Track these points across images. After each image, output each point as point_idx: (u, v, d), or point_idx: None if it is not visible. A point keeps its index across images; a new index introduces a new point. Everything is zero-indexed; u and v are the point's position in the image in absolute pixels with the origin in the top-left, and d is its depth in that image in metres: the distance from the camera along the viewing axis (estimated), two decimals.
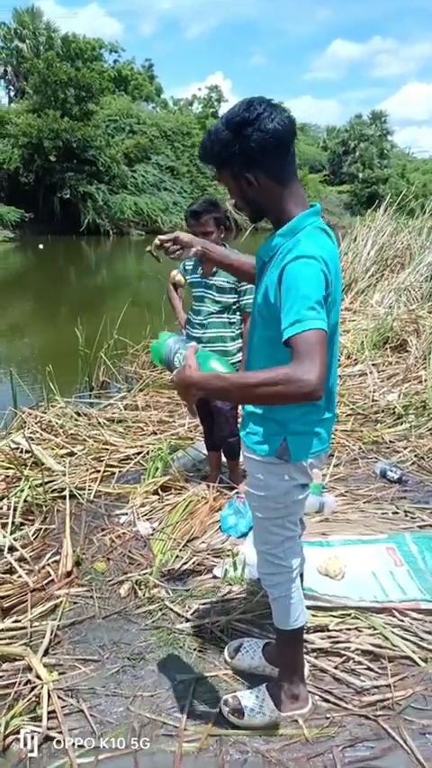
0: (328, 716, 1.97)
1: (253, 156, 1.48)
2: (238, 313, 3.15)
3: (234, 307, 3.12)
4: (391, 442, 4.26)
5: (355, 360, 6.17)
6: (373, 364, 5.89)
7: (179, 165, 34.94)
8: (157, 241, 1.91)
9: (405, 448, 4.12)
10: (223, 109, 47.80)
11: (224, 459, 3.55)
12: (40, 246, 22.44)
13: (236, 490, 3.41)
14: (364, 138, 54.76)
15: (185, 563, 2.78)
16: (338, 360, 1.80)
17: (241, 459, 3.53)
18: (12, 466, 3.42)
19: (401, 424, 4.51)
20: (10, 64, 33.80)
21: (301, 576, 2.07)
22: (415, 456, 4.01)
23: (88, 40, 31.46)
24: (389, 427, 4.49)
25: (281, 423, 1.65)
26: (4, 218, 25.43)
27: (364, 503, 3.37)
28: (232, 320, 3.14)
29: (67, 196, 27.99)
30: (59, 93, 27.55)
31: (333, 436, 2.03)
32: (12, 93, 34.82)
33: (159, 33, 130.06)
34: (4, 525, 2.93)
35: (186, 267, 3.26)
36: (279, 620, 1.89)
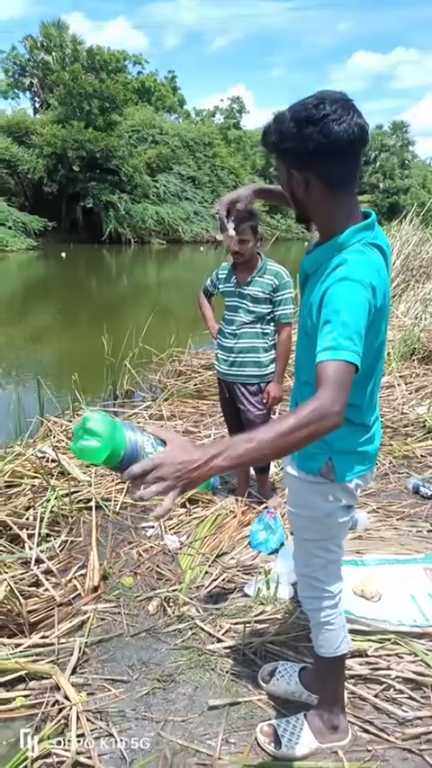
0: (369, 748, 1.87)
1: (309, 156, 1.36)
2: (272, 324, 3.07)
3: (268, 317, 3.05)
4: (422, 456, 4.15)
5: (383, 371, 6.06)
6: (400, 376, 5.78)
7: (200, 174, 35.15)
8: (222, 211, 1.82)
9: None
10: (245, 120, 48.15)
11: (252, 472, 3.47)
12: (63, 255, 22.65)
13: (264, 505, 3.33)
14: (385, 149, 54.72)
15: (215, 579, 2.69)
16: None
17: (271, 472, 3.47)
18: (38, 475, 3.37)
19: None
20: (36, 76, 34.34)
21: None
22: None
23: (113, 52, 31.91)
24: (419, 441, 4.38)
25: (327, 441, 1.56)
26: (27, 226, 25.74)
27: (398, 519, 3.26)
28: (266, 330, 3.07)
29: (90, 205, 28.29)
30: (84, 104, 27.93)
31: None
32: (37, 105, 35.33)
33: (183, 46, 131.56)
34: (31, 536, 2.87)
35: (220, 276, 3.20)
36: (320, 647, 1.80)
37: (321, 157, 1.36)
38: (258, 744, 1.87)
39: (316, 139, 1.33)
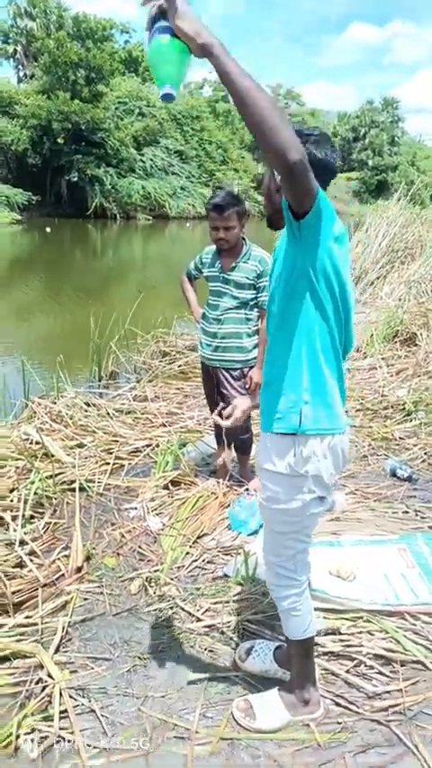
0: (339, 721, 1.97)
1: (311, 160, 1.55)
2: (255, 309, 3.11)
3: (252, 303, 3.08)
4: (400, 438, 4.24)
5: (365, 353, 6.14)
6: (382, 358, 5.86)
7: (188, 149, 34.67)
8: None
9: (415, 445, 4.10)
10: None
11: (234, 455, 3.53)
12: (48, 229, 22.36)
13: (245, 486, 3.40)
14: (375, 125, 54.18)
15: (196, 560, 2.77)
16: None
17: (252, 453, 3.53)
18: (22, 457, 3.41)
19: (411, 420, 4.49)
20: (20, 43, 33.44)
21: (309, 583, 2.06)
22: (425, 453, 3.99)
23: (99, 20, 31.00)
24: (398, 423, 4.47)
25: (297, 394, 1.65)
26: (11, 200, 25.32)
27: (375, 501, 3.35)
28: (249, 316, 3.10)
29: (75, 179, 27.86)
30: (69, 73, 27.33)
31: None
32: (21, 74, 34.49)
33: None
34: (15, 518, 2.92)
35: (204, 260, 3.22)
36: (289, 631, 1.88)
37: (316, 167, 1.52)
38: (234, 718, 1.95)
39: (321, 153, 1.58)
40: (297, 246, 1.53)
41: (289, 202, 1.43)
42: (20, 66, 34.95)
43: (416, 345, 6.27)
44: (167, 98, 1.33)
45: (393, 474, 3.68)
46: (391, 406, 4.72)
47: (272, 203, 1.70)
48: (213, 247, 3.15)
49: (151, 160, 31.83)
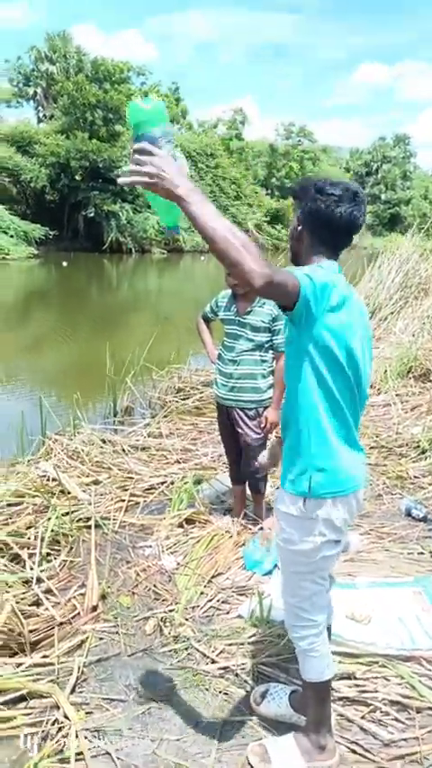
0: None
1: (308, 215, 1.74)
2: (270, 351, 3.18)
3: (267, 345, 3.15)
4: (415, 477, 4.24)
5: (379, 389, 6.16)
6: (396, 395, 5.88)
7: (202, 185, 35.32)
8: None
9: (430, 484, 4.10)
10: (247, 131, 48.52)
11: (249, 492, 3.55)
12: (64, 263, 22.80)
13: (260, 525, 3.41)
14: (387, 160, 55.04)
15: (210, 600, 2.78)
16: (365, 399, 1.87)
17: (267, 492, 3.56)
18: (39, 494, 3.46)
19: (426, 458, 4.48)
20: (40, 86, 34.63)
21: (329, 627, 2.07)
22: None
23: (116, 63, 32.08)
24: (413, 461, 4.47)
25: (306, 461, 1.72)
26: (29, 235, 25.89)
27: (389, 542, 3.35)
28: (264, 358, 3.17)
29: (92, 214, 28.49)
30: (88, 114, 28.20)
31: None
32: (41, 114, 35.63)
33: (194, 57, 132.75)
34: (31, 556, 2.96)
35: (220, 303, 3.30)
36: (306, 673, 1.89)
37: (315, 221, 1.74)
38: (249, 763, 1.95)
39: (317, 207, 1.70)
40: (294, 329, 1.64)
41: None
42: (40, 108, 36.13)
43: (430, 381, 6.29)
44: (170, 233, 1.57)
45: (408, 514, 3.67)
46: (406, 444, 4.72)
47: (292, 248, 1.85)
48: (229, 291, 3.24)
49: None
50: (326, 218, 1.70)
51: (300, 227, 1.78)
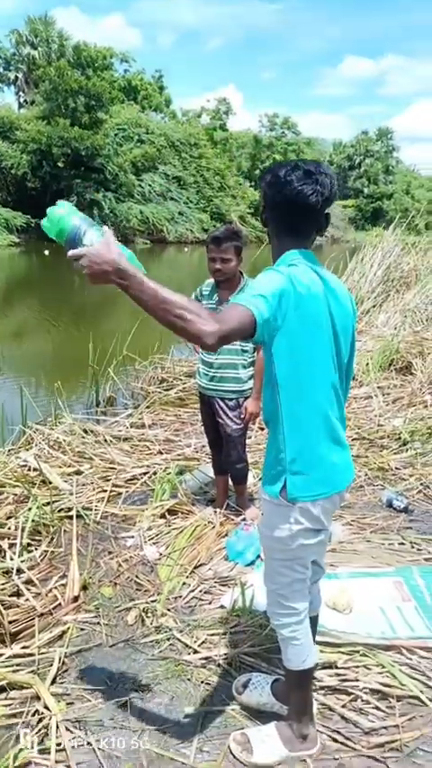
0: (336, 756, 1.97)
1: (269, 201, 1.73)
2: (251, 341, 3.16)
3: None
4: (396, 468, 4.27)
5: (360, 382, 6.19)
6: (378, 387, 5.91)
7: (186, 175, 35.19)
8: None
9: (411, 475, 4.13)
10: (231, 121, 48.34)
11: (231, 483, 3.55)
12: (46, 252, 22.51)
13: (242, 516, 3.42)
14: (370, 154, 55.22)
15: (192, 591, 2.78)
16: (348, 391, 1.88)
17: (249, 482, 3.56)
18: (19, 484, 3.42)
19: (407, 450, 4.52)
20: (21, 71, 34.09)
21: (316, 618, 2.08)
22: (421, 484, 4.01)
23: (99, 48, 31.71)
24: (394, 453, 4.50)
25: (283, 463, 1.70)
26: (10, 222, 25.55)
27: (371, 532, 3.37)
28: (245, 348, 3.16)
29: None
30: (69, 101, 27.83)
31: None
32: (22, 100, 35.08)
33: (178, 44, 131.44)
34: (12, 546, 2.92)
35: (203, 292, 3.28)
36: (288, 660, 1.89)
37: (269, 205, 1.74)
38: (231, 752, 1.95)
39: (268, 191, 1.71)
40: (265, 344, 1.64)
41: None
42: (20, 93, 35.59)
43: (411, 374, 6.33)
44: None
45: (390, 505, 3.70)
46: (387, 436, 4.75)
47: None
48: (212, 281, 3.22)
49: (150, 185, 32.29)
50: (277, 199, 1.68)
51: (266, 217, 1.79)
